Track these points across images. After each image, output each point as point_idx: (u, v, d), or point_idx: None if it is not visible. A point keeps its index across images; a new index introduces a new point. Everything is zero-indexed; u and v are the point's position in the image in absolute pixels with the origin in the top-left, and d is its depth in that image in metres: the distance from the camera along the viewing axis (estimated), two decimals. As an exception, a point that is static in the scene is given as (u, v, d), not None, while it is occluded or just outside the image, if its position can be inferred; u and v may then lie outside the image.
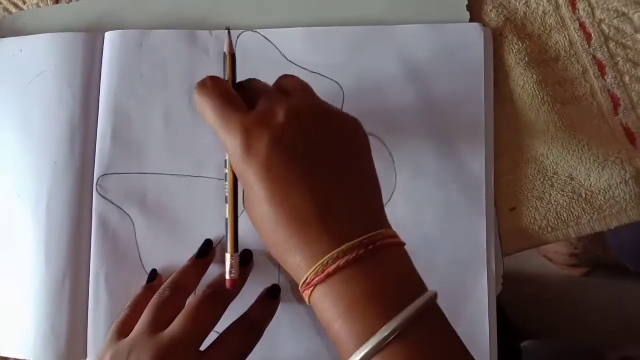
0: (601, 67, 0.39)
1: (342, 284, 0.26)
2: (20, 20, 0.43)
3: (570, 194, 0.38)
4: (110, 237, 0.39)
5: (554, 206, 0.38)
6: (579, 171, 0.38)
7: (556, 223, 0.38)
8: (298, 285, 0.28)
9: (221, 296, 0.34)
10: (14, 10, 0.44)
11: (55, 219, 0.39)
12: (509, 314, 0.51)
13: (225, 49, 0.33)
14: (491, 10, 0.40)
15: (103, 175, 0.39)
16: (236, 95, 0.30)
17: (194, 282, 0.36)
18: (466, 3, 0.39)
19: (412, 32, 0.39)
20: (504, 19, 0.39)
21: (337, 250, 0.26)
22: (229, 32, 0.33)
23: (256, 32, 0.40)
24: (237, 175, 0.30)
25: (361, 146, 0.30)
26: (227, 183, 0.32)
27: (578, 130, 0.38)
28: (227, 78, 0.32)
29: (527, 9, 0.40)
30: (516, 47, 0.39)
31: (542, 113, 0.38)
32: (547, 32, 0.39)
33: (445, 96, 0.38)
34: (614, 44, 0.39)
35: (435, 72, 0.39)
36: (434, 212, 0.38)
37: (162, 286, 0.35)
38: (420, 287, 0.27)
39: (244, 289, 0.36)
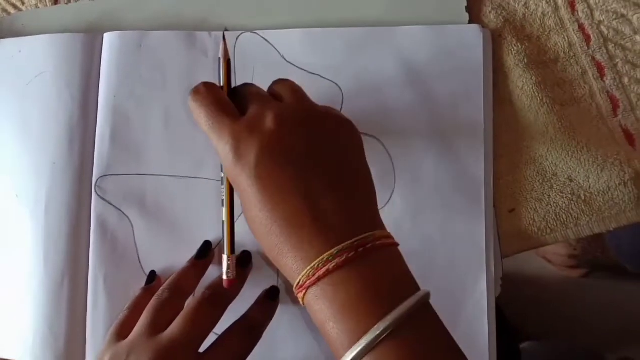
0: (600, 69, 0.39)
1: (333, 286, 0.26)
2: (19, 21, 0.43)
3: (569, 196, 0.38)
4: (108, 238, 0.39)
5: (553, 207, 0.38)
6: (578, 173, 0.38)
7: (555, 224, 0.38)
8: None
9: (220, 298, 0.34)
10: (12, 11, 0.44)
11: (54, 219, 0.39)
12: (508, 315, 0.51)
13: (220, 54, 0.33)
14: (490, 12, 0.40)
15: (102, 176, 0.39)
16: (228, 102, 0.31)
17: (193, 284, 0.36)
18: (465, 4, 0.39)
19: (411, 34, 0.39)
20: (503, 21, 0.39)
21: (327, 253, 0.27)
22: (224, 37, 0.33)
23: (255, 33, 0.40)
24: (230, 181, 0.30)
25: (354, 147, 0.31)
26: (223, 187, 0.32)
27: (577, 132, 0.38)
28: (221, 83, 0.32)
29: (526, 10, 0.40)
30: (515, 48, 0.39)
31: (541, 114, 0.38)
32: (546, 33, 0.39)
33: (444, 97, 0.38)
34: (613, 45, 0.39)
35: (434, 74, 0.39)
36: (433, 214, 0.38)
37: (161, 287, 0.35)
38: (413, 287, 0.28)
39: (242, 290, 0.36)
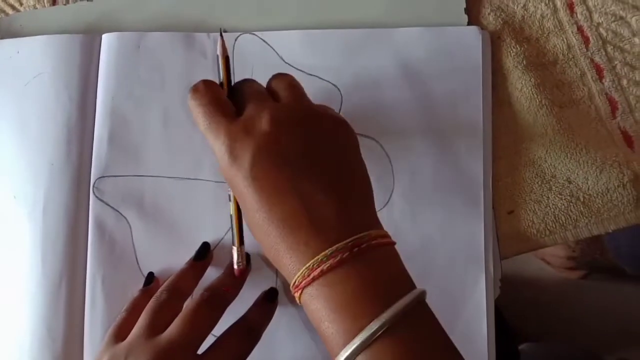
0: (599, 71, 0.39)
1: (328, 287, 0.27)
2: (17, 21, 0.43)
3: (568, 197, 0.38)
4: (106, 239, 0.39)
5: (552, 209, 0.38)
6: (577, 174, 0.38)
7: (554, 226, 0.38)
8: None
9: (219, 299, 0.34)
10: (10, 11, 0.44)
11: (52, 220, 0.39)
12: (506, 316, 0.51)
13: (218, 51, 0.33)
14: (489, 14, 0.40)
15: (100, 178, 0.39)
16: (226, 101, 0.31)
17: (191, 285, 0.36)
18: (464, 6, 0.39)
19: (410, 35, 0.39)
20: (501, 22, 0.39)
21: (322, 254, 0.27)
22: (222, 34, 0.33)
23: (254, 34, 0.40)
24: (226, 181, 0.30)
25: (350, 147, 0.31)
26: None
27: (576, 134, 0.38)
28: (220, 81, 0.32)
29: (525, 12, 0.40)
30: (514, 50, 0.39)
31: (539, 116, 0.38)
32: (544, 35, 0.39)
33: (443, 99, 0.38)
34: (612, 47, 0.39)
35: (433, 75, 0.39)
36: (432, 215, 0.38)
37: (159, 289, 0.35)
38: (409, 286, 0.28)
39: (241, 292, 0.36)
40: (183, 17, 0.41)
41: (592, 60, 0.39)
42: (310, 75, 0.39)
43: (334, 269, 0.27)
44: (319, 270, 0.27)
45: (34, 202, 0.39)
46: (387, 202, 0.38)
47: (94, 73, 0.40)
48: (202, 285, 0.35)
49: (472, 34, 0.39)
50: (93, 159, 0.39)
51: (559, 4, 0.40)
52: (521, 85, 0.39)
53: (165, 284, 0.36)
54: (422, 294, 0.27)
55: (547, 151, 0.38)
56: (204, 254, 0.37)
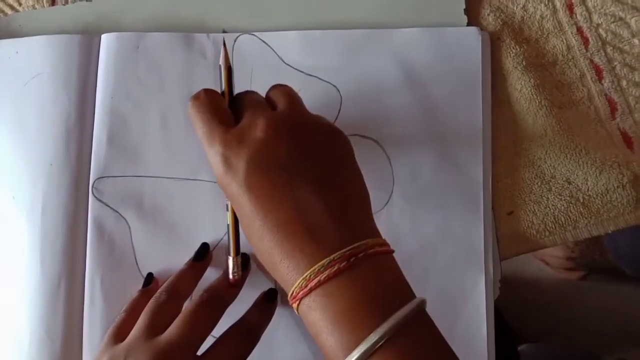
0: (598, 72, 0.39)
1: (326, 297, 0.26)
2: (15, 21, 0.43)
3: (568, 198, 0.38)
4: (105, 240, 0.38)
5: (552, 210, 0.38)
6: (577, 175, 0.38)
7: (553, 227, 0.38)
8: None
9: (218, 300, 0.34)
10: (9, 11, 0.44)
11: (51, 221, 0.39)
12: (506, 317, 0.51)
13: (221, 61, 0.33)
14: (489, 14, 0.40)
15: (99, 178, 0.39)
16: (225, 110, 0.31)
17: (191, 286, 0.36)
18: (464, 7, 0.39)
19: (410, 36, 0.39)
20: (501, 23, 0.39)
21: (319, 264, 0.26)
22: (225, 45, 0.33)
23: (253, 35, 0.40)
24: (221, 189, 0.30)
25: (345, 155, 0.31)
26: None
27: (575, 134, 0.38)
28: (222, 90, 0.33)
29: (525, 13, 0.40)
30: (513, 51, 0.39)
31: (539, 117, 0.38)
32: (544, 36, 0.39)
33: (442, 99, 0.38)
34: (611, 48, 0.39)
35: (433, 76, 0.39)
36: (432, 216, 0.38)
37: (159, 290, 0.35)
38: (408, 295, 0.27)
39: (240, 293, 0.36)
40: (182, 17, 0.41)
41: (591, 61, 0.39)
42: (310, 75, 0.39)
43: (331, 280, 0.26)
44: (316, 280, 0.26)
45: (33, 203, 0.39)
46: (387, 202, 0.38)
47: (93, 73, 0.40)
48: (202, 286, 0.35)
49: (472, 34, 0.39)
50: (92, 160, 0.39)
51: (558, 4, 0.40)
52: (521, 86, 0.39)
53: (165, 284, 0.36)
54: (422, 303, 0.27)
55: (546, 152, 0.38)
56: (203, 254, 0.37)
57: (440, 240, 0.37)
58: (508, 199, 0.38)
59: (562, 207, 0.38)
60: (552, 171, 0.38)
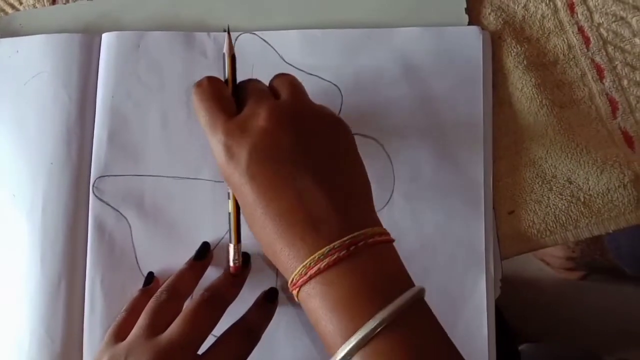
0: (599, 71, 0.39)
1: (326, 285, 0.27)
2: (16, 20, 0.43)
3: (569, 198, 0.38)
4: (106, 239, 0.38)
5: (552, 209, 0.38)
6: (577, 174, 0.38)
7: (554, 226, 0.38)
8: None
9: (219, 299, 0.34)
10: (10, 10, 0.44)
11: (51, 220, 0.39)
12: (507, 317, 0.51)
13: (225, 49, 0.33)
14: (490, 14, 0.40)
15: (99, 177, 0.39)
16: (228, 98, 0.31)
17: (191, 285, 0.36)
18: (465, 6, 0.39)
19: (411, 35, 0.39)
20: (502, 22, 0.39)
21: (319, 252, 0.27)
22: (229, 33, 0.33)
23: (254, 34, 0.40)
24: (224, 178, 0.30)
25: (347, 145, 0.31)
26: None
27: (576, 134, 0.38)
28: (226, 78, 0.33)
29: (526, 12, 0.40)
30: (514, 50, 0.39)
31: (540, 116, 0.38)
32: (545, 35, 0.39)
33: (443, 99, 0.38)
34: (612, 47, 0.39)
35: (434, 75, 0.39)
36: (432, 215, 0.38)
37: (159, 289, 0.35)
38: (407, 284, 0.28)
39: (241, 292, 0.36)
40: (183, 16, 0.41)
41: (592, 61, 0.39)
42: (311, 74, 0.39)
43: (331, 268, 0.27)
44: (315, 268, 0.27)
45: (33, 202, 0.39)
46: (388, 201, 0.38)
47: (94, 72, 0.40)
48: (202, 285, 0.35)
49: (473, 34, 0.39)
50: (93, 159, 0.39)
51: (559, 4, 0.40)
52: (522, 85, 0.39)
53: (165, 284, 0.36)
54: (421, 291, 0.27)
55: (547, 151, 0.38)
56: (204, 253, 0.37)
57: (440, 240, 0.37)
58: (509, 199, 0.38)
59: (563, 207, 0.38)
60: (553, 170, 0.38)
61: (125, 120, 0.39)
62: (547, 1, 0.39)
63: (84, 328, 0.38)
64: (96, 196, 0.39)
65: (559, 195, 0.38)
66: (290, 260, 0.28)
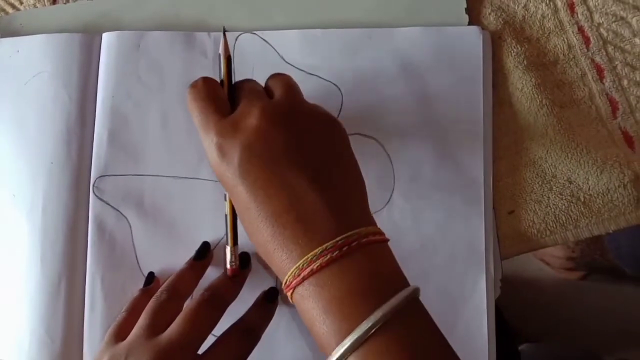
0: (599, 71, 0.39)
1: (319, 286, 0.26)
2: (16, 20, 0.43)
3: (569, 197, 0.38)
4: (106, 239, 0.38)
5: (552, 209, 0.38)
6: (578, 174, 0.38)
7: (554, 226, 0.38)
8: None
9: (219, 299, 0.34)
10: (10, 10, 0.44)
11: (51, 220, 0.39)
12: (507, 317, 0.51)
13: (220, 50, 0.33)
14: (490, 14, 0.40)
15: (100, 177, 0.39)
16: (222, 99, 0.31)
17: (192, 285, 0.36)
18: (465, 6, 0.39)
19: (411, 35, 0.39)
20: (502, 22, 0.39)
21: (312, 253, 0.27)
22: (225, 33, 0.33)
23: (254, 33, 0.40)
24: (217, 178, 0.30)
25: (341, 144, 0.31)
26: None
27: (576, 134, 0.38)
28: (221, 79, 0.32)
29: (526, 12, 0.40)
30: (515, 50, 0.39)
31: (540, 116, 0.38)
32: (545, 35, 0.39)
33: (443, 98, 0.38)
34: (613, 47, 0.39)
35: (434, 75, 0.39)
36: (432, 215, 0.38)
37: (159, 289, 0.35)
38: (402, 283, 0.28)
39: (241, 292, 0.36)
40: (183, 16, 0.41)
41: (592, 61, 0.39)
42: (311, 74, 0.39)
43: (324, 269, 0.26)
44: (308, 269, 0.26)
45: (33, 202, 0.39)
46: (388, 201, 0.38)
47: (94, 72, 0.40)
48: (202, 285, 0.35)
49: (473, 33, 0.39)
50: (93, 158, 0.39)
51: (559, 4, 0.40)
52: (522, 85, 0.39)
53: (166, 283, 0.36)
54: (415, 291, 0.27)
55: (547, 151, 0.38)
56: (204, 253, 0.37)
57: (440, 240, 0.37)
58: (509, 198, 0.38)
59: (563, 207, 0.38)
60: (553, 170, 0.38)
61: (126, 120, 0.39)
62: (547, 1, 0.39)
63: (84, 328, 0.38)
64: (96, 196, 0.39)
65: (559, 195, 0.38)
66: (283, 261, 0.27)
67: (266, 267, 0.37)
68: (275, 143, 0.28)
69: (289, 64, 0.40)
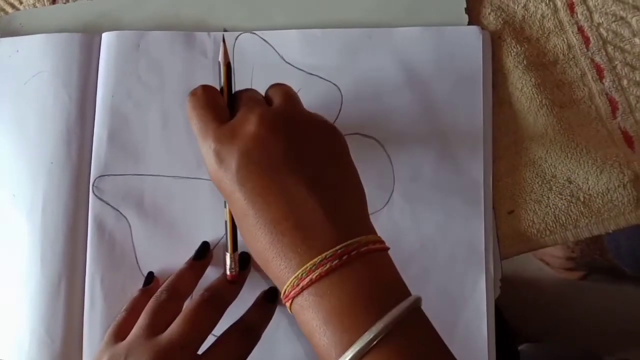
0: (599, 71, 0.39)
1: (319, 297, 0.26)
2: (16, 20, 0.43)
3: (569, 197, 0.38)
4: (106, 238, 0.38)
5: (552, 209, 0.38)
6: (577, 174, 0.38)
7: (554, 226, 0.38)
8: None
9: (219, 299, 0.34)
10: (10, 10, 0.44)
11: (51, 220, 0.39)
12: (506, 317, 0.51)
13: (220, 58, 0.33)
14: (489, 13, 0.40)
15: (99, 177, 0.39)
16: (221, 106, 0.31)
17: (191, 285, 0.36)
18: (464, 6, 0.39)
19: (411, 35, 0.39)
20: (502, 22, 0.39)
21: (310, 262, 0.26)
22: (224, 41, 0.33)
23: (254, 33, 0.40)
24: (215, 185, 0.30)
25: (340, 152, 0.30)
26: None
27: (576, 134, 0.38)
28: (221, 86, 0.32)
29: (526, 12, 0.40)
30: (514, 50, 0.39)
31: (540, 116, 0.38)
32: (545, 35, 0.39)
33: (443, 98, 0.38)
34: (612, 47, 0.39)
35: (434, 75, 0.39)
36: (432, 215, 0.38)
37: (159, 289, 0.35)
38: (403, 293, 0.27)
39: (241, 292, 0.36)
40: (183, 16, 0.41)
41: (592, 61, 0.39)
42: (311, 74, 0.39)
43: (324, 278, 0.26)
44: (307, 279, 0.26)
45: (33, 201, 0.39)
46: (388, 201, 0.38)
47: (94, 72, 0.40)
48: (202, 285, 0.35)
49: (473, 33, 0.39)
50: (93, 158, 0.39)
51: (559, 4, 0.40)
52: (521, 85, 0.39)
53: (165, 283, 0.36)
54: (417, 301, 0.27)
55: (547, 151, 0.38)
56: (204, 253, 0.37)
57: (440, 240, 0.37)
58: (509, 198, 0.38)
59: (563, 207, 0.38)
60: (552, 170, 0.38)
61: (126, 119, 0.39)
62: (547, 1, 0.39)
63: (84, 328, 0.38)
64: (96, 196, 0.39)
65: (558, 195, 0.38)
66: (282, 270, 0.27)
67: (261, 271, 0.37)
68: (274, 150, 0.28)
69: (288, 63, 0.40)
